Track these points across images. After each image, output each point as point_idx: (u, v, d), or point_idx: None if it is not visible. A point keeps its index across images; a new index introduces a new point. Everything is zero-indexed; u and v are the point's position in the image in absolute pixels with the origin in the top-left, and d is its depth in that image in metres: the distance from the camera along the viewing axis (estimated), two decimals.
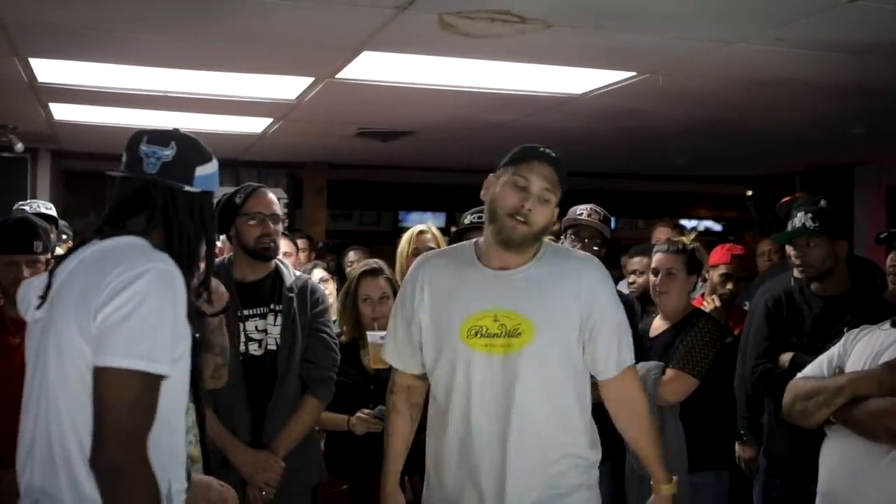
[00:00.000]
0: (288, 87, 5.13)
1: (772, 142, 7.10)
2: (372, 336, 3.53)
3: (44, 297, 1.99)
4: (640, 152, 7.70)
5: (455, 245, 2.87)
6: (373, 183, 10.53)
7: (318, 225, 9.24)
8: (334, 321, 3.90)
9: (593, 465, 2.67)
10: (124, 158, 2.11)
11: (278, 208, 3.49)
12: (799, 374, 2.96)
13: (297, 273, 3.56)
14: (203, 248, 2.14)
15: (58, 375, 1.91)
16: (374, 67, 4.47)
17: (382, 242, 6.86)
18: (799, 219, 3.60)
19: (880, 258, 3.32)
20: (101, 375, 1.83)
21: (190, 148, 2.11)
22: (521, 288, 2.57)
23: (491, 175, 2.64)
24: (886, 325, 2.87)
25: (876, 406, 2.60)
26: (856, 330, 2.94)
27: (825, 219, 3.55)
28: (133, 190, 2.09)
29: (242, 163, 8.58)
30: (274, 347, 3.34)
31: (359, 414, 3.55)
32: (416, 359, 2.72)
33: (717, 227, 11.85)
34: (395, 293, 3.77)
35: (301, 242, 5.94)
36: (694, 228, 9.89)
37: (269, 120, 6.41)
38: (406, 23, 3.62)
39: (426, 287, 2.66)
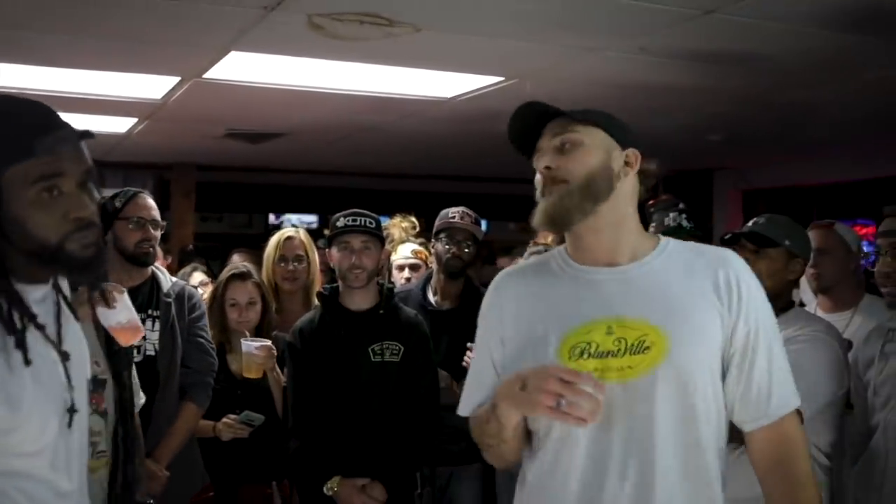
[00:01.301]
0: (153, 86, 5.00)
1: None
2: (246, 345, 3.48)
3: None
4: (510, 156, 7.78)
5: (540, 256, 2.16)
6: (243, 185, 10.37)
7: (186, 228, 9.04)
8: None
9: None
10: None
11: (157, 214, 3.45)
12: None
13: (174, 279, 3.51)
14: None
15: None
16: (242, 68, 4.40)
17: (253, 245, 6.74)
18: (673, 219, 3.74)
19: None
20: None
21: None
22: (642, 288, 1.87)
23: None
24: None
25: None
26: None
27: (695, 219, 3.75)
28: None
29: (107, 164, 8.31)
30: (153, 353, 3.31)
31: (225, 420, 3.49)
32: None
33: None
34: (263, 298, 3.72)
35: None
36: None
37: (134, 120, 6.23)
38: (274, 23, 3.58)
39: (507, 307, 1.97)
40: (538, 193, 1.92)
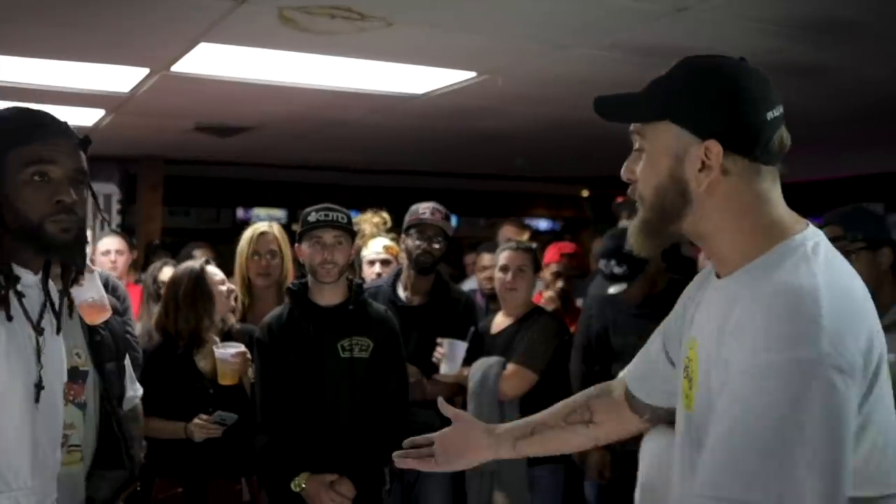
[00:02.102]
0: (121, 78, 4.94)
1: (607, 144, 7.31)
2: (220, 353, 3.43)
3: None
4: (480, 152, 7.81)
5: None
6: (211, 179, 10.30)
7: (153, 222, 8.95)
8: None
9: None
10: None
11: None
12: (621, 374, 3.05)
13: (99, 270, 3.43)
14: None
15: None
16: (211, 60, 4.36)
17: (221, 240, 6.69)
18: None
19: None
20: None
21: None
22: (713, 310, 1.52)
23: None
24: None
25: None
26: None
27: None
28: None
29: None
30: None
31: (196, 420, 3.44)
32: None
33: (554, 225, 12.18)
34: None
35: (117, 242, 5.49)
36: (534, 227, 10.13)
37: (102, 112, 6.16)
38: (244, 15, 3.55)
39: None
40: None
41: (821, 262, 1.43)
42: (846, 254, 1.89)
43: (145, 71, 4.74)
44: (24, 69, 4.72)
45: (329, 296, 3.29)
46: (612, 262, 3.58)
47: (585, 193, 11.04)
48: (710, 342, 1.46)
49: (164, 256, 5.85)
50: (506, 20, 3.66)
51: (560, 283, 4.79)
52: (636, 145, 1.58)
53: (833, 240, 2.18)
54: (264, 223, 4.17)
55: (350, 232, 3.31)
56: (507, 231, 5.66)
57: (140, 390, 2.98)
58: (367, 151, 8.05)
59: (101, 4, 3.54)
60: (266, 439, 3.21)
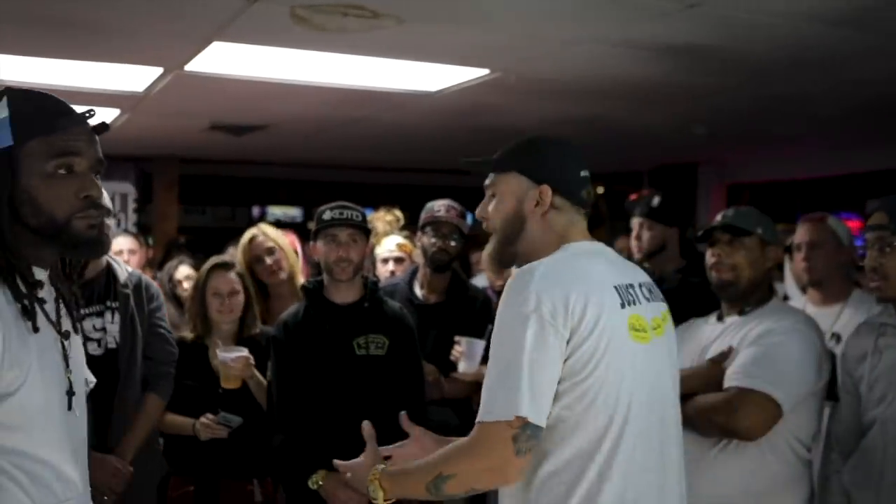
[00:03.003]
0: (136, 77, 4.97)
1: (621, 140, 7.31)
2: (222, 356, 3.44)
3: None
4: (494, 149, 7.77)
5: None
6: (227, 177, 10.33)
7: (169, 220, 8.99)
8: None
9: None
10: None
11: (108, 201, 3.39)
12: None
13: (129, 269, 3.45)
14: (34, 219, 1.65)
15: None
16: (225, 59, 4.37)
17: (237, 238, 6.70)
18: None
19: None
20: None
21: None
22: None
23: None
24: (712, 318, 3.00)
25: (703, 402, 2.72)
26: (684, 324, 3.05)
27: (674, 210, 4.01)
28: None
29: None
30: (114, 346, 3.26)
31: (202, 419, 3.45)
32: None
33: None
34: (245, 289, 3.70)
35: (129, 242, 5.49)
36: None
37: (117, 112, 6.18)
38: (257, 14, 3.56)
39: None
40: None
41: (561, 254, 2.02)
42: (885, 245, 2.58)
43: (159, 70, 4.75)
44: (40, 70, 4.75)
45: (344, 293, 3.29)
46: None
47: (600, 190, 11.01)
48: None
49: (185, 255, 5.88)
50: (518, 17, 3.65)
51: None
52: (489, 193, 2.16)
53: (878, 227, 2.37)
54: (252, 229, 4.18)
55: (365, 230, 3.32)
56: None
57: (93, 381, 2.97)
58: (380, 149, 8.06)
59: (116, 5, 3.56)
60: (283, 437, 3.21)
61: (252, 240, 4.04)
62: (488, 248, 2.16)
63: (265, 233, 4.05)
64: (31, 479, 1.67)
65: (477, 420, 1.85)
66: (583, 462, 1.87)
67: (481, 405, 1.86)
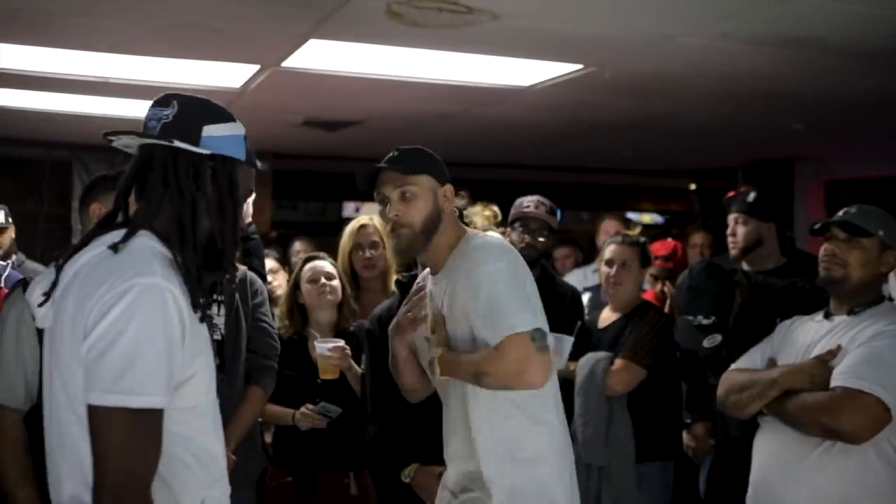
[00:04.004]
0: (232, 74, 5.06)
1: (714, 136, 7.18)
2: (319, 347, 3.49)
3: (47, 296, 1.83)
4: (586, 145, 7.74)
5: None
6: (318, 173, 10.44)
7: (262, 215, 9.12)
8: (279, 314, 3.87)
9: None
10: (118, 138, 1.92)
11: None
12: (733, 366, 3.00)
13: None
14: (225, 226, 1.86)
15: (64, 403, 1.76)
16: (321, 56, 4.43)
17: (327, 233, 6.81)
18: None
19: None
20: (91, 414, 1.67)
21: (195, 106, 1.89)
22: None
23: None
24: (819, 316, 2.92)
25: (808, 400, 2.65)
26: (788, 321, 2.98)
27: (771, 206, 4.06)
28: (136, 163, 1.88)
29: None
30: (219, 338, 3.32)
31: (303, 409, 3.52)
32: None
33: (660, 219, 11.98)
34: (340, 280, 3.75)
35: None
36: (638, 222, 10.00)
37: None
38: (353, 11, 3.59)
39: None
40: (387, 231, 2.57)
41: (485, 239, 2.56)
42: None
43: (256, 67, 4.84)
44: (140, 67, 4.87)
45: None
46: (699, 317, 3.39)
47: (692, 187, 10.83)
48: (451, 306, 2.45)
49: (275, 249, 5.98)
50: (613, 11, 3.61)
51: (658, 286, 4.75)
52: (398, 194, 2.48)
53: None
54: (364, 217, 4.21)
55: None
56: (607, 226, 5.60)
57: None
58: (472, 145, 8.06)
59: (214, 4, 3.63)
60: (376, 430, 3.24)
61: (362, 228, 4.07)
62: (400, 244, 2.49)
63: (377, 227, 4.09)
64: (197, 461, 1.81)
65: (503, 334, 2.27)
66: None
67: (500, 323, 2.29)
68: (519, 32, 3.94)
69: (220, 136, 1.87)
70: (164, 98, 1.90)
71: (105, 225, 1.90)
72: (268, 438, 3.85)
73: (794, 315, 3.03)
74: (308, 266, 3.74)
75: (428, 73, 4.83)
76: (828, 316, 2.89)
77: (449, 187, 2.55)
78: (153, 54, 4.60)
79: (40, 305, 1.83)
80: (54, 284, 1.82)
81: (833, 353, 2.73)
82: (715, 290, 3.36)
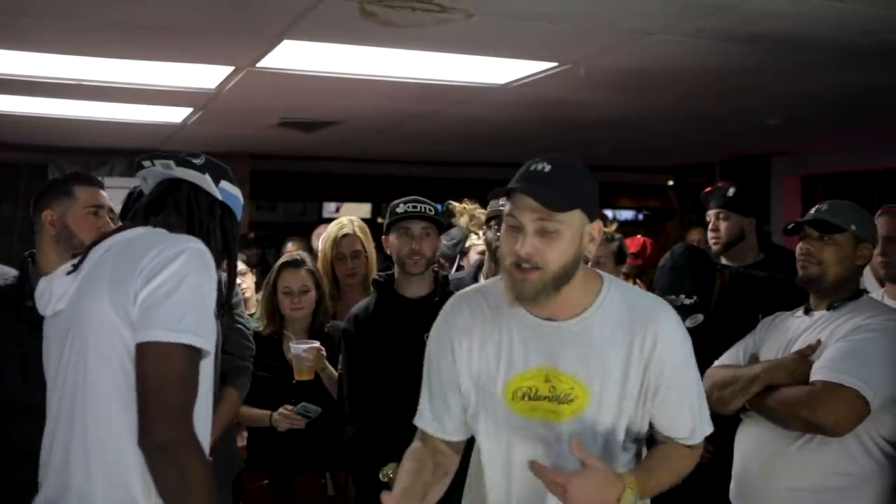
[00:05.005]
0: (208, 75, 5.04)
1: (692, 132, 7.21)
2: (295, 348, 3.49)
3: (75, 267, 2.02)
4: (563, 142, 7.75)
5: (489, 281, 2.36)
6: (297, 174, 10.43)
7: (241, 216, 9.10)
8: (252, 314, 3.86)
9: None
10: (151, 164, 2.22)
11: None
12: (716, 363, 3.02)
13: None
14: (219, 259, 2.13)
15: (98, 364, 1.88)
16: (295, 56, 4.41)
17: (307, 233, 6.80)
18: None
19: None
20: (147, 350, 1.82)
21: (219, 165, 2.22)
22: (576, 344, 2.08)
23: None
24: (800, 311, 2.94)
25: (788, 394, 2.68)
26: (770, 317, 3.01)
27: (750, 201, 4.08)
28: (159, 189, 2.17)
29: (165, 153, 8.39)
30: None
31: (281, 410, 3.52)
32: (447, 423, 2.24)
33: (639, 216, 12.02)
34: (317, 286, 3.74)
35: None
36: (615, 219, 10.02)
37: (190, 109, 6.29)
38: (327, 11, 3.58)
39: (458, 332, 2.22)
40: (507, 263, 2.02)
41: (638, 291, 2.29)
42: None
43: (230, 68, 4.82)
44: (114, 69, 4.84)
45: (415, 287, 3.30)
46: (682, 297, 3.42)
47: (670, 183, 10.88)
48: (609, 366, 2.06)
49: (255, 249, 5.96)
50: (587, 8, 3.62)
51: (629, 283, 4.79)
52: (538, 228, 1.98)
53: None
54: (346, 222, 4.20)
55: (438, 224, 3.33)
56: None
57: None
58: (449, 143, 8.06)
59: (188, 5, 3.61)
60: (353, 430, 3.24)
61: (345, 236, 4.07)
62: (525, 291, 2.00)
63: (359, 234, 4.07)
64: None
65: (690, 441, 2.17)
66: None
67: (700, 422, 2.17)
68: (493, 31, 3.94)
69: (230, 193, 2.20)
70: (194, 154, 2.24)
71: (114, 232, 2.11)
72: (240, 442, 3.82)
73: (776, 308, 3.05)
74: (283, 275, 3.73)
75: (403, 72, 4.82)
76: (808, 311, 2.92)
77: (598, 225, 2.08)
78: (128, 57, 4.58)
79: (68, 274, 2.01)
80: (81, 259, 2.02)
81: (812, 348, 2.75)
82: (697, 270, 3.41)
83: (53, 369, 1.99)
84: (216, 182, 2.17)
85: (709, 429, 2.17)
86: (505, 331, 2.11)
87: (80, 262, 2.02)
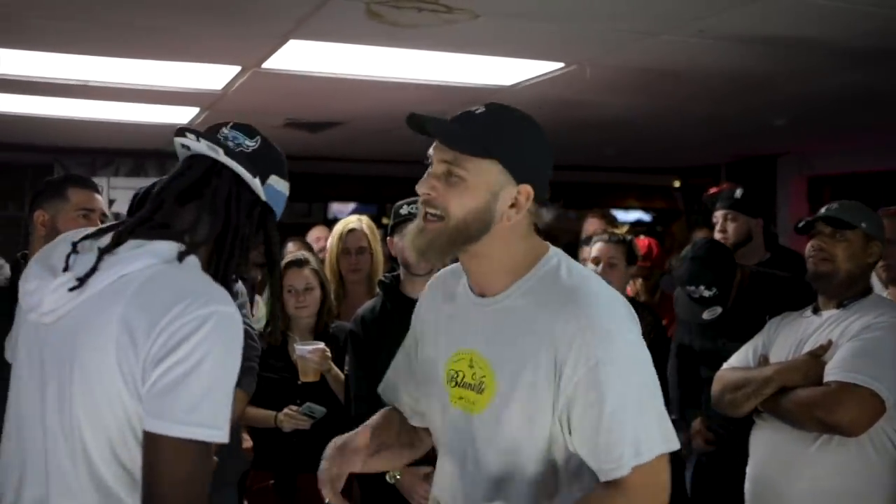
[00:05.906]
0: (214, 76, 5.04)
1: (698, 133, 7.20)
2: (300, 350, 3.49)
3: (81, 282, 1.66)
4: (569, 143, 7.74)
5: None
6: (302, 174, 10.41)
7: None
8: (263, 315, 3.86)
9: None
10: (196, 140, 1.85)
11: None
12: (725, 364, 3.02)
13: None
14: (241, 265, 1.84)
15: (87, 411, 1.62)
16: (301, 57, 4.41)
17: None
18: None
19: (802, 248, 3.39)
20: (154, 442, 1.57)
21: (273, 153, 1.89)
22: (495, 327, 1.84)
23: None
24: (808, 311, 2.94)
25: (803, 396, 2.67)
26: (778, 318, 3.00)
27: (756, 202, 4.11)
28: (198, 171, 1.82)
29: (169, 154, 8.41)
30: None
31: (286, 411, 3.52)
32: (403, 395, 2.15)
33: (646, 217, 12.01)
34: (321, 285, 3.74)
35: None
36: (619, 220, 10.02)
37: (196, 110, 6.29)
38: (333, 11, 3.58)
39: (419, 315, 2.13)
40: (419, 212, 1.85)
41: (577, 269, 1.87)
42: None
43: (237, 68, 4.82)
44: (120, 69, 4.85)
45: (421, 288, 3.26)
46: (701, 288, 3.43)
47: (676, 184, 10.86)
48: (523, 355, 1.75)
49: (260, 248, 5.96)
50: (593, 9, 3.62)
51: (637, 285, 4.79)
52: (446, 169, 1.78)
53: None
54: (354, 219, 4.20)
55: None
56: (591, 224, 5.60)
57: None
58: None
59: (194, 5, 3.61)
60: None
61: (351, 232, 4.07)
62: (426, 237, 1.81)
63: (366, 232, 4.07)
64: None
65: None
66: None
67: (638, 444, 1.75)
68: (499, 31, 3.94)
69: (277, 190, 1.88)
70: (250, 128, 1.88)
71: (136, 222, 1.78)
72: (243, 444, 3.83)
73: (796, 307, 3.05)
74: (287, 275, 3.74)
75: (409, 73, 4.82)
76: (816, 311, 2.92)
77: (526, 189, 1.81)
78: (134, 57, 4.58)
79: (71, 290, 1.65)
80: (89, 273, 1.66)
81: (825, 348, 2.75)
82: (718, 262, 3.43)
83: (25, 383, 1.72)
84: (265, 177, 1.84)
85: (648, 453, 1.74)
86: (449, 310, 1.96)
87: (87, 276, 1.66)
